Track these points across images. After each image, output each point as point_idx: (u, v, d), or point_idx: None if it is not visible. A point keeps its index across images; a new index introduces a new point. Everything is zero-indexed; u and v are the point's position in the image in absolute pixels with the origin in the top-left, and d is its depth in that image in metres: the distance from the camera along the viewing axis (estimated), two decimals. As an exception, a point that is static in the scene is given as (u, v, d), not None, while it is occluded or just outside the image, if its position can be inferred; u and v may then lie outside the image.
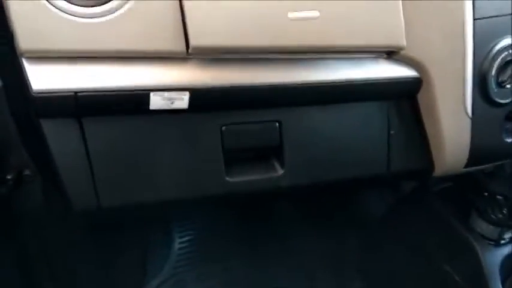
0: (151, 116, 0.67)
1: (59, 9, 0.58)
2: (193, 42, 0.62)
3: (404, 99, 0.82)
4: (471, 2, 0.77)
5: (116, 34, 0.60)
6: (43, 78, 0.59)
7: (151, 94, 0.64)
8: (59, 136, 0.66)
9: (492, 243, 1.06)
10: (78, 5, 0.59)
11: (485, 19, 0.78)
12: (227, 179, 0.74)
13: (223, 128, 0.72)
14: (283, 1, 0.65)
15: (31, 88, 0.59)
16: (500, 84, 0.80)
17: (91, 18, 0.59)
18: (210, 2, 0.62)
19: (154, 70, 0.64)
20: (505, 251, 1.05)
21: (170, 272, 1.24)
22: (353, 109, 0.80)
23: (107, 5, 0.59)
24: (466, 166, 0.86)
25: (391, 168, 0.84)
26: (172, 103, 0.65)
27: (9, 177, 0.81)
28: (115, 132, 0.68)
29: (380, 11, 0.70)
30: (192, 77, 0.66)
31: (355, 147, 0.81)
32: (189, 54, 0.64)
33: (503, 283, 1.00)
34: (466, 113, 0.80)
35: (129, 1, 0.60)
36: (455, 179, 1.10)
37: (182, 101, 0.66)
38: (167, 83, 0.65)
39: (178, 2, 0.61)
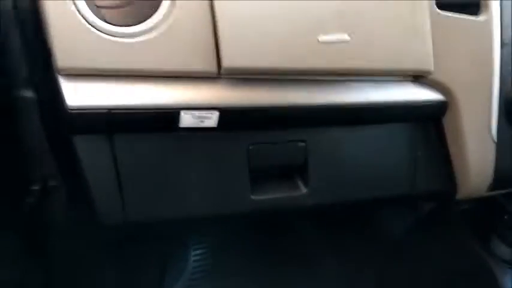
0: (180, 133, 0.68)
1: (96, 28, 0.60)
2: (225, 63, 0.63)
3: (430, 122, 0.82)
4: (499, 28, 0.77)
5: (150, 54, 0.61)
6: (78, 95, 0.61)
7: (182, 112, 0.65)
8: (90, 151, 0.67)
9: (511, 266, 1.06)
10: (115, 25, 0.60)
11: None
12: (252, 197, 0.75)
13: (251, 147, 0.73)
14: (313, 24, 0.66)
15: (66, 104, 0.60)
16: (525, 111, 0.81)
17: (127, 38, 0.60)
18: (243, 25, 0.63)
19: (185, 89, 0.65)
20: (524, 275, 1.04)
21: (185, 283, 1.24)
22: (378, 130, 0.80)
23: (142, 24, 0.61)
24: (490, 190, 0.86)
25: (416, 190, 0.84)
26: (202, 122, 0.66)
27: (36, 187, 0.82)
28: (145, 149, 0.69)
29: (409, 35, 0.70)
30: (221, 97, 0.67)
31: (380, 167, 0.82)
32: (221, 74, 0.65)
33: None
34: (491, 137, 0.81)
35: (165, 21, 0.61)
36: (476, 201, 1.10)
37: (211, 119, 0.67)
38: (197, 102, 0.66)
39: (212, 23, 0.63)
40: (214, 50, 0.64)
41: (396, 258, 1.25)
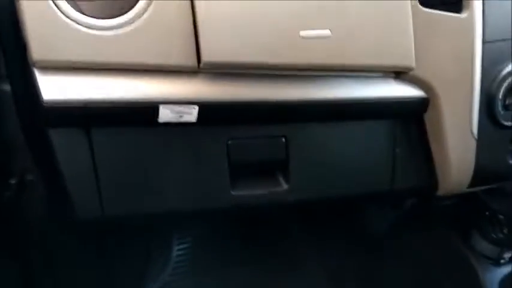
0: (159, 128, 0.67)
1: (73, 21, 0.58)
2: (205, 57, 0.62)
3: (411, 118, 0.82)
4: (481, 25, 0.77)
5: (128, 47, 0.60)
6: (53, 88, 0.59)
7: (161, 107, 0.64)
8: (66, 145, 0.66)
9: (492, 262, 1.06)
10: (92, 17, 0.59)
11: (494, 42, 0.78)
12: (232, 192, 0.74)
13: (230, 142, 0.72)
14: (295, 19, 0.65)
15: (41, 97, 0.59)
16: (506, 107, 0.81)
17: (105, 30, 0.59)
18: (224, 19, 0.62)
19: (164, 83, 0.64)
20: (504, 270, 1.05)
21: (167, 279, 1.23)
22: (359, 126, 0.80)
23: (121, 17, 0.60)
24: (470, 186, 0.87)
25: (395, 186, 0.84)
26: (181, 116, 0.65)
27: (12, 181, 0.81)
28: (122, 143, 0.68)
29: (390, 31, 0.70)
30: (201, 91, 0.66)
31: (360, 164, 0.82)
32: (200, 69, 0.64)
33: (502, 303, 1.01)
34: (472, 134, 0.81)
35: (144, 15, 0.60)
36: (458, 197, 1.10)
37: (191, 114, 0.66)
38: (176, 97, 0.65)
39: (191, 17, 0.62)
40: (194, 44, 0.63)
41: (378, 254, 1.26)
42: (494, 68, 0.79)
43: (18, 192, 0.83)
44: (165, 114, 0.65)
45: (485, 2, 0.77)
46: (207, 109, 0.66)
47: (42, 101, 0.59)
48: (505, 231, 1.05)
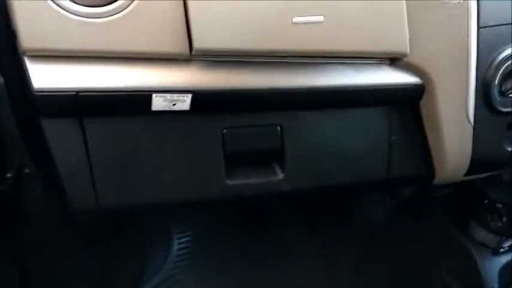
0: (153, 117, 0.67)
1: (63, 9, 0.58)
2: (196, 44, 0.62)
3: (406, 106, 0.82)
4: (476, 10, 0.77)
5: (119, 35, 0.60)
6: (44, 77, 0.59)
7: (154, 95, 0.64)
8: (59, 135, 0.66)
9: (491, 251, 1.06)
10: (82, 5, 0.59)
11: (489, 28, 0.78)
12: (228, 182, 0.74)
13: (225, 131, 0.72)
14: (287, 6, 0.65)
15: (32, 86, 0.59)
16: (503, 93, 0.80)
17: (95, 18, 0.59)
18: (215, 5, 0.62)
19: (156, 71, 0.64)
20: (503, 259, 1.05)
21: (168, 273, 1.23)
22: (355, 114, 0.80)
23: (111, 5, 0.59)
24: (467, 174, 0.86)
25: (391, 174, 0.83)
26: (174, 105, 0.65)
27: (8, 175, 0.81)
28: (116, 133, 0.68)
29: (384, 17, 0.70)
30: (194, 79, 0.65)
31: (356, 152, 0.81)
32: (192, 56, 0.64)
33: (501, 292, 1.00)
34: (468, 120, 0.80)
35: (134, 2, 0.60)
36: (456, 186, 1.10)
37: (184, 102, 0.65)
38: (169, 85, 0.64)
39: (182, 4, 0.61)
40: (186, 31, 0.62)
41: (376, 243, 1.26)
42: (490, 54, 0.79)
43: (15, 186, 0.82)
44: (158, 103, 0.64)
45: (480, -14, 0.77)
46: (201, 97, 0.66)
47: (33, 90, 0.59)
48: (504, 219, 1.05)
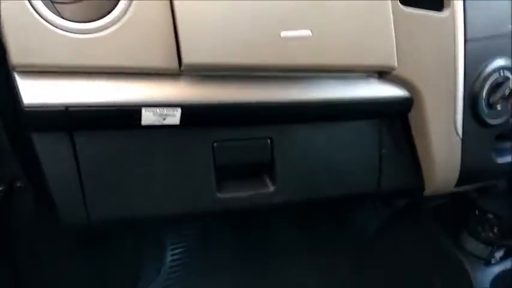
0: (143, 131, 0.67)
1: (52, 24, 0.58)
2: (185, 59, 0.62)
3: (395, 118, 0.82)
4: (463, 23, 0.78)
5: (108, 50, 0.60)
6: (34, 92, 0.59)
7: (143, 110, 0.64)
8: (49, 149, 0.66)
9: (483, 262, 1.06)
10: (71, 21, 0.59)
11: (476, 41, 0.79)
12: (218, 195, 0.74)
13: (215, 144, 0.72)
14: (275, 20, 0.65)
15: (22, 102, 0.59)
16: (490, 105, 0.81)
17: (84, 34, 0.59)
18: (203, 21, 0.62)
19: (146, 86, 0.64)
20: (495, 270, 1.05)
21: (161, 284, 1.23)
22: (344, 127, 0.80)
23: (100, 21, 0.60)
24: (457, 185, 0.87)
25: (382, 187, 0.84)
26: (164, 119, 0.65)
27: (0, 188, 0.81)
28: (106, 147, 0.68)
29: (371, 31, 0.70)
30: (184, 94, 0.66)
31: (346, 164, 0.82)
32: (182, 71, 0.64)
33: (493, 302, 1.01)
34: (457, 133, 0.81)
35: (123, 18, 0.60)
36: (447, 197, 1.10)
37: (174, 117, 0.66)
38: (159, 99, 0.65)
39: (171, 19, 0.62)
40: (175, 46, 0.63)
41: (368, 254, 1.26)
42: (477, 66, 0.80)
43: (7, 199, 0.82)
44: (148, 117, 0.65)
45: (466, 0, 0.78)
46: (190, 111, 0.66)
47: (23, 105, 0.59)
48: (495, 230, 1.05)
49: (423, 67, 0.76)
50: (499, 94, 0.81)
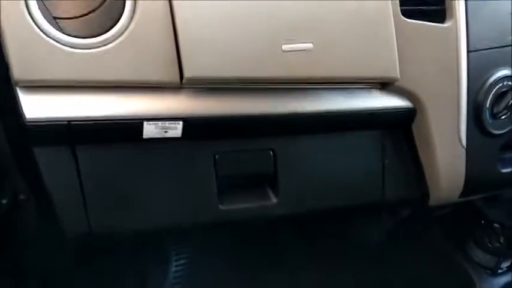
0: (145, 143, 0.67)
1: (54, 40, 0.59)
2: (187, 73, 0.63)
3: (399, 129, 0.82)
4: (465, 34, 0.77)
5: (110, 65, 0.61)
6: (36, 107, 0.60)
7: (145, 123, 0.64)
8: (52, 163, 0.66)
9: (489, 272, 1.06)
10: (73, 36, 0.59)
11: (479, 51, 0.78)
12: (220, 207, 0.74)
13: (217, 156, 0.72)
14: (277, 33, 0.65)
15: (24, 117, 0.60)
16: (494, 116, 0.81)
17: (86, 49, 0.60)
18: (205, 35, 0.62)
19: (147, 99, 0.64)
20: (502, 280, 1.05)
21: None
22: (347, 138, 0.80)
23: (101, 36, 0.60)
24: (461, 196, 0.86)
25: (386, 197, 0.83)
26: (165, 132, 0.66)
27: (4, 201, 0.81)
28: (108, 160, 0.68)
29: (373, 43, 0.70)
30: (185, 107, 0.66)
31: (350, 175, 0.81)
32: (183, 84, 0.64)
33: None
34: (461, 143, 0.80)
35: (124, 33, 0.61)
36: (453, 207, 1.10)
37: (176, 130, 0.66)
38: (161, 112, 0.65)
39: (173, 33, 0.62)
40: (176, 60, 0.63)
41: (373, 265, 1.25)
42: (480, 77, 0.79)
43: (10, 212, 0.83)
44: (150, 130, 0.65)
45: (469, 11, 0.77)
46: (192, 124, 0.67)
47: (25, 120, 0.59)
48: (502, 240, 1.04)
49: (426, 78, 0.76)
50: (503, 104, 0.80)
